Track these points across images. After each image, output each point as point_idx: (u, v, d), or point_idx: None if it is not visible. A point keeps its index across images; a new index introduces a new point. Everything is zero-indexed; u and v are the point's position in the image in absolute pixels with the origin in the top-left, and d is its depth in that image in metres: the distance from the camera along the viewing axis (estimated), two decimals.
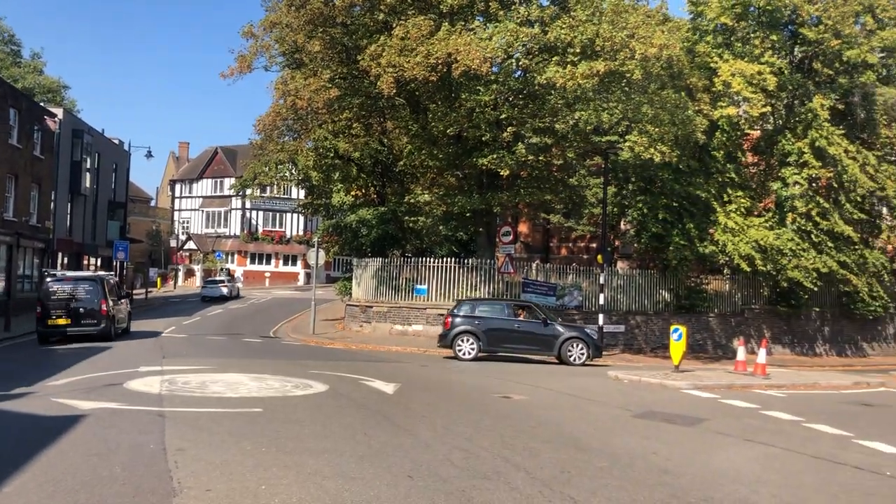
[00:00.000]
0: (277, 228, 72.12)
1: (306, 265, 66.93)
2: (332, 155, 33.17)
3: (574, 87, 21.43)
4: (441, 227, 34.73)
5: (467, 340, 21.21)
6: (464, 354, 21.09)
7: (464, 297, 24.85)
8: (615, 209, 30.53)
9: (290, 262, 72.29)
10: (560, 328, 21.96)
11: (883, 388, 19.82)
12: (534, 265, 30.34)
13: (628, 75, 21.71)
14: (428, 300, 27.72)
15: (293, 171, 37.35)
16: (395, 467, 7.76)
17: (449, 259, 28.43)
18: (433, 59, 21.18)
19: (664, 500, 7.14)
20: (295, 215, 69.54)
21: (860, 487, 8.16)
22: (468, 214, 28.36)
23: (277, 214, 72.04)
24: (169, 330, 28.76)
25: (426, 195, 32.96)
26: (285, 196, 67.56)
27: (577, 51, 21.59)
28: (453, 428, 10.14)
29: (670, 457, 9.06)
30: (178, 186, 77.32)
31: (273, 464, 7.71)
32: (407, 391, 13.71)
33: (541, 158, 25.97)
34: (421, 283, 27.99)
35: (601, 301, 26.21)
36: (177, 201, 77.09)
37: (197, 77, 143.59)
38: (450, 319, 21.57)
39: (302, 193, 48.39)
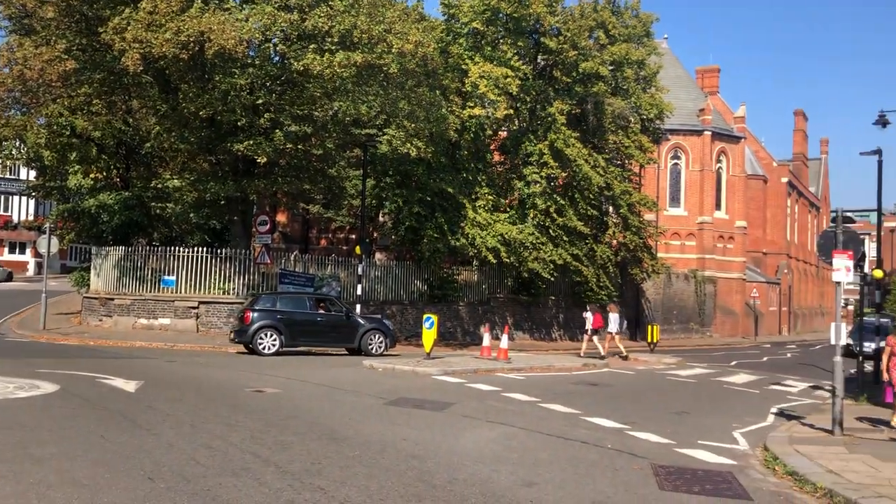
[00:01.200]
0: (2, 213, 64.52)
1: (37, 254, 60.48)
2: (68, 133, 30.22)
3: (332, 76, 21.37)
4: (192, 215, 33.03)
5: (269, 335, 20.42)
6: (265, 349, 20.24)
7: (260, 292, 24.12)
8: (374, 201, 31.01)
9: (17, 251, 64.98)
10: (360, 320, 22.17)
11: (606, 368, 22.13)
12: (292, 256, 29.92)
13: (385, 69, 22.07)
14: (177, 292, 26.27)
15: (21, 148, 33.57)
16: (134, 470, 7.26)
17: (201, 249, 27.14)
18: (184, 37, 20.03)
19: (412, 483, 7.37)
20: (24, 198, 62.58)
21: (586, 460, 9.00)
22: (222, 202, 27.26)
23: (2, 197, 64.46)
24: None
25: (176, 180, 31.10)
26: (12, 177, 60.63)
27: (336, 40, 21.56)
28: (201, 425, 9.70)
29: (419, 442, 9.38)
30: None
31: None
32: (151, 389, 12.90)
33: (299, 147, 25.61)
34: (169, 274, 26.45)
35: (359, 292, 26.50)
36: None
37: None
38: (249, 314, 20.62)
39: (32, 174, 43.74)
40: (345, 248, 41.05)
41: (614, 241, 35.50)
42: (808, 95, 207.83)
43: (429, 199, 28.74)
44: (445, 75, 26.93)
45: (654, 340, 32.62)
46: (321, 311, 21.88)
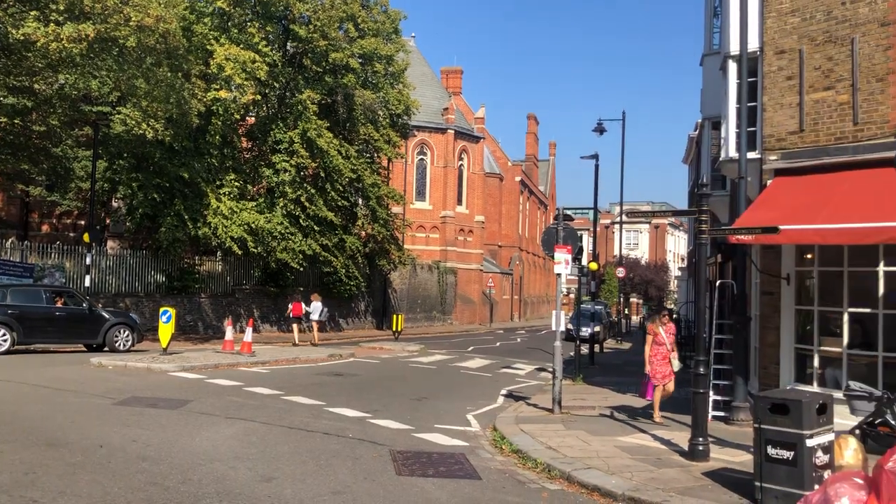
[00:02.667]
0: None
1: None
2: None
3: (59, 49, 19.41)
4: None
5: None
6: None
7: None
8: (106, 185, 28.68)
9: None
10: (105, 314, 20.81)
11: (353, 358, 22.46)
12: (8, 242, 26.76)
13: (122, 42, 20.44)
14: None
15: None
16: None
17: None
18: None
19: (142, 487, 6.97)
20: None
21: (328, 450, 9.07)
22: None
23: None
24: None
25: None
26: None
27: (62, 7, 19.58)
28: None
29: (151, 443, 8.88)
30: None
31: None
32: None
33: (17, 122, 23.02)
34: None
35: (87, 283, 24.43)
36: None
37: None
38: None
39: None
40: (72, 234, 37.56)
41: (363, 233, 36.00)
42: (539, 100, 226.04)
43: (167, 184, 27.17)
44: (188, 57, 25.51)
45: (399, 329, 33.67)
46: (60, 305, 20.07)
